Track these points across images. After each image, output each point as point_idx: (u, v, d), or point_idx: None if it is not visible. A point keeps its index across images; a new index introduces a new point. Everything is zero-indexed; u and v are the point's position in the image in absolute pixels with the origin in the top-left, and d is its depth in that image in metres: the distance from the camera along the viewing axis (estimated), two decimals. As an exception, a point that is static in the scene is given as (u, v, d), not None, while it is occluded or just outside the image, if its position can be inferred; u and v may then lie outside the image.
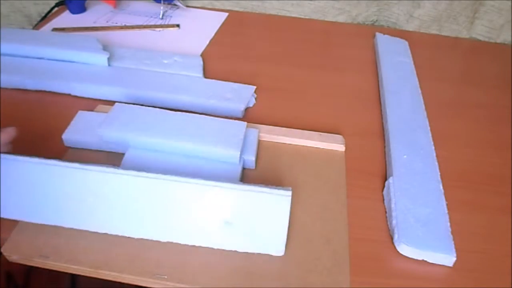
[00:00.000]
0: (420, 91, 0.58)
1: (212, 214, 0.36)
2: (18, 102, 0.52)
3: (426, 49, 0.72)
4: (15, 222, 0.36)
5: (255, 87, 0.56)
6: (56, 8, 0.75)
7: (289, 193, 0.37)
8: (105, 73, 0.56)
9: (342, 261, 0.36)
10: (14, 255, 0.35)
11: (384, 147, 0.50)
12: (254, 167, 0.45)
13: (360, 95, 0.59)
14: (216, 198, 0.36)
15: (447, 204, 0.41)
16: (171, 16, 0.76)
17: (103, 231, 0.36)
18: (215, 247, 0.36)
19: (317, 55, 0.68)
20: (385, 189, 0.44)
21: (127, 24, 0.72)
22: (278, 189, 0.37)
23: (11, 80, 0.53)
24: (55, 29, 0.68)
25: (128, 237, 0.36)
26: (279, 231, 0.36)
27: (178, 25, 0.73)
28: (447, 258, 0.37)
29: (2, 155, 0.37)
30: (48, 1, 0.79)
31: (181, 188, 0.37)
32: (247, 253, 0.36)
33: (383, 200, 0.43)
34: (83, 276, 0.35)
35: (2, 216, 0.35)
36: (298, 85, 0.60)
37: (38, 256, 0.35)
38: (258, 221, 0.36)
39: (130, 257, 0.35)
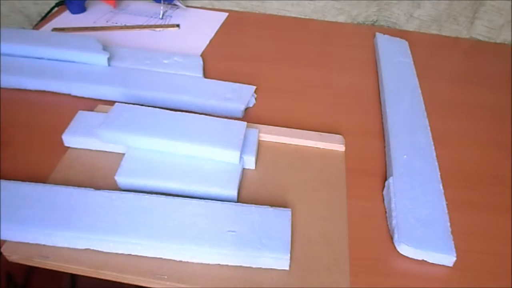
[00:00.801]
0: (420, 91, 0.58)
1: (217, 228, 0.36)
2: (18, 102, 0.52)
3: (426, 49, 0.72)
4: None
5: (255, 87, 0.56)
6: (56, 8, 0.75)
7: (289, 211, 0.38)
8: (105, 73, 0.56)
9: (342, 261, 0.36)
10: (14, 255, 0.35)
11: (384, 147, 0.50)
12: (254, 167, 0.45)
13: (360, 95, 0.59)
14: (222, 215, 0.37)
15: (447, 204, 0.41)
16: (171, 16, 0.76)
17: (108, 251, 0.35)
18: (220, 263, 0.35)
19: (317, 55, 0.68)
20: (385, 189, 0.44)
21: (127, 24, 0.72)
22: (278, 210, 0.38)
23: (11, 80, 0.53)
24: (55, 29, 0.68)
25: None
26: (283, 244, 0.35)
27: (178, 25, 0.73)
28: (447, 258, 0.37)
29: (2, 181, 0.38)
30: (48, 1, 0.79)
31: (186, 205, 0.38)
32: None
33: (383, 200, 0.43)
34: (83, 276, 0.35)
35: (2, 238, 0.35)
36: (298, 85, 0.60)
37: (38, 256, 0.35)
38: (261, 235, 0.36)
39: (130, 257, 0.35)
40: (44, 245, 0.35)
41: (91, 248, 0.35)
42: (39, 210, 0.36)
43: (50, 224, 0.35)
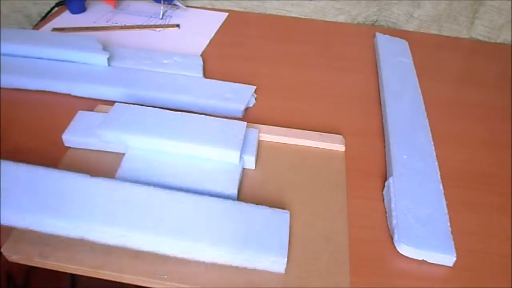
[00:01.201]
0: (420, 91, 0.58)
1: (214, 227, 0.36)
2: (18, 102, 0.52)
3: (426, 49, 0.72)
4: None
5: (255, 87, 0.56)
6: (56, 8, 0.75)
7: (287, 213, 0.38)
8: (105, 73, 0.56)
9: (342, 261, 0.36)
10: (14, 255, 0.35)
11: (384, 147, 0.50)
12: (254, 167, 0.45)
13: (360, 95, 0.59)
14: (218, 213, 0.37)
15: (447, 204, 0.41)
16: (171, 16, 0.76)
17: (103, 241, 0.35)
18: (217, 262, 0.35)
19: (317, 55, 0.68)
20: (385, 189, 0.44)
21: (127, 24, 0.72)
22: (276, 211, 0.37)
23: (11, 80, 0.53)
24: (55, 29, 0.68)
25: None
26: (281, 246, 0.35)
27: (178, 25, 0.73)
28: (447, 258, 0.37)
29: (2, 161, 0.37)
30: (48, 1, 0.79)
31: (182, 200, 0.37)
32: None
33: (383, 200, 0.43)
34: (83, 276, 0.35)
35: (2, 223, 0.35)
36: (298, 85, 0.60)
37: (38, 256, 0.35)
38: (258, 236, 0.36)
39: (130, 257, 0.35)
40: (44, 243, 0.35)
41: (85, 237, 0.35)
42: (31, 194, 0.36)
43: (41, 209, 0.35)
